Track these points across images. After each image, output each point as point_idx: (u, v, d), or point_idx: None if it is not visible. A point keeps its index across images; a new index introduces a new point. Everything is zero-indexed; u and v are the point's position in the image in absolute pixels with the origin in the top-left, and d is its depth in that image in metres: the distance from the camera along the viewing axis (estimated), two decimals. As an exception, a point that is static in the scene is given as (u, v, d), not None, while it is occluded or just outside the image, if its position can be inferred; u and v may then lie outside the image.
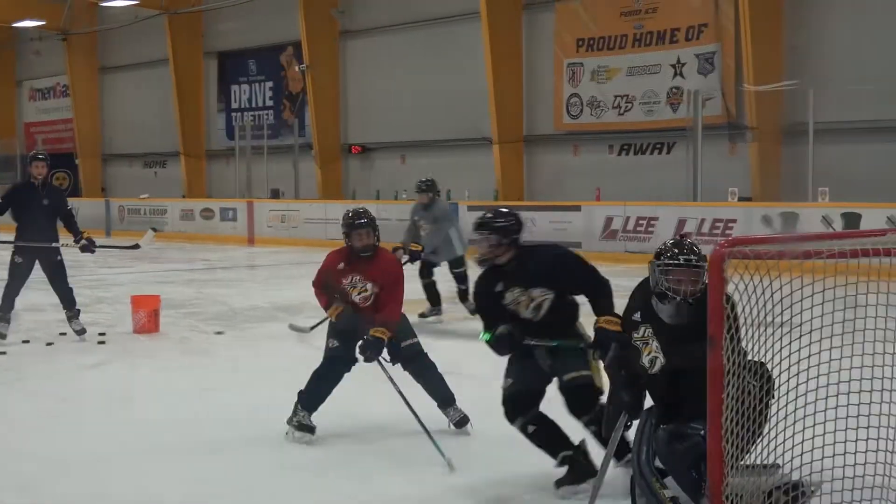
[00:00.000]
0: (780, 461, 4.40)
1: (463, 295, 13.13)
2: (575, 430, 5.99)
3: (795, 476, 4.48)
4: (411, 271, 12.32)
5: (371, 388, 7.53)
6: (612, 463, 5.51)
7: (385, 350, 7.10)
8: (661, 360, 5.09)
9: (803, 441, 4.33)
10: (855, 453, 4.41)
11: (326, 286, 7.25)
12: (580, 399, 5.91)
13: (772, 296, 4.28)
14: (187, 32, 34.22)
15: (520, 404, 6.04)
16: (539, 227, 22.50)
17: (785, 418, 4.43)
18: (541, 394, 6.06)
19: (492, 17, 25.11)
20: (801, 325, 4.39)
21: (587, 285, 5.99)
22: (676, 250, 5.14)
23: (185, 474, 6.42)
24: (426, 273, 13.08)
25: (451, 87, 27.16)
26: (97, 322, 12.60)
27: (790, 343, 4.40)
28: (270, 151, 30.40)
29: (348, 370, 7.21)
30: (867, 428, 4.42)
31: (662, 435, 5.09)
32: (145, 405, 8.37)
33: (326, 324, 7.40)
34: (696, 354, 4.30)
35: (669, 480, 5.13)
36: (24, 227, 11.37)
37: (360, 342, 6.98)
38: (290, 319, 12.56)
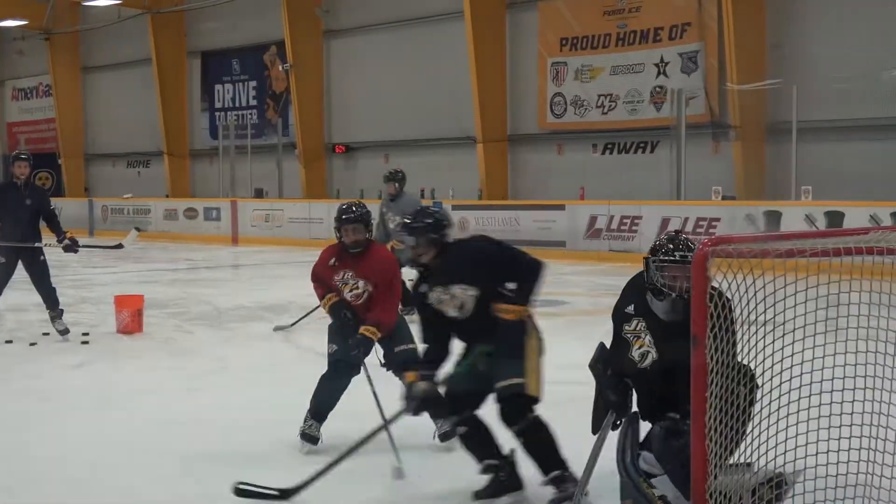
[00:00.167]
0: (762, 459, 4.41)
1: None
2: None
3: (772, 469, 4.49)
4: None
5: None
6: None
7: (381, 353, 6.94)
8: (653, 355, 5.08)
9: (786, 439, 4.34)
10: (838, 451, 4.42)
11: (322, 282, 7.16)
12: (510, 408, 5.72)
13: (755, 294, 4.30)
14: (170, 32, 34.13)
15: (457, 403, 5.91)
16: (523, 227, 22.56)
17: (768, 416, 4.45)
18: (481, 396, 5.87)
19: (475, 16, 25.10)
20: (784, 323, 4.40)
21: (512, 273, 5.85)
22: (672, 246, 5.12)
23: (171, 474, 6.41)
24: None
25: (434, 87, 27.16)
26: (80, 322, 12.56)
27: (773, 341, 4.41)
28: (254, 151, 30.37)
29: (356, 373, 6.98)
30: (850, 426, 4.43)
31: (658, 432, 5.08)
32: (130, 405, 8.35)
33: (318, 323, 7.36)
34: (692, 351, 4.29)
35: (658, 480, 5.13)
36: (6, 227, 11.33)
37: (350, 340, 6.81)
38: (275, 319, 12.59)
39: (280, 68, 30.98)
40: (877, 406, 4.48)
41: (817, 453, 4.40)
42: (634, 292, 5.33)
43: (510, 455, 5.84)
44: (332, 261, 7.01)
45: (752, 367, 4.57)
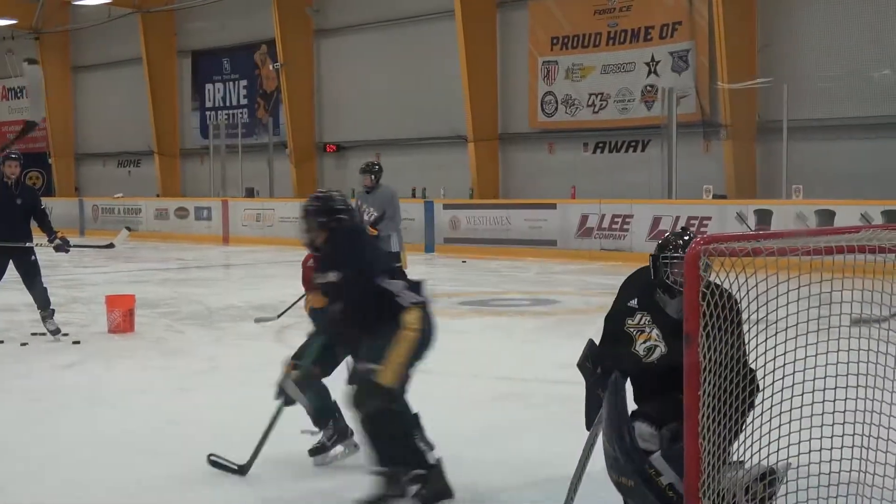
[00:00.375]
0: (755, 458, 4.41)
1: None
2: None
3: (764, 464, 4.49)
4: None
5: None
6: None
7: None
8: (661, 349, 5.01)
9: (779, 437, 4.34)
10: (831, 449, 4.43)
11: (307, 283, 7.08)
12: (358, 392, 5.66)
13: (747, 293, 4.30)
14: (160, 31, 34.10)
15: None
16: (514, 226, 22.58)
17: (760, 415, 4.45)
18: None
19: (466, 15, 25.11)
20: (776, 322, 4.40)
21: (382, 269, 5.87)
22: (681, 242, 5.07)
23: (163, 474, 6.39)
24: None
25: (425, 86, 27.17)
26: (72, 322, 12.54)
27: (765, 340, 4.42)
28: (245, 150, 30.34)
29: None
30: (842, 424, 4.44)
31: (666, 433, 5.01)
32: (121, 405, 8.34)
33: (308, 321, 7.29)
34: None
35: (655, 458, 5.07)
36: (4, 225, 11.32)
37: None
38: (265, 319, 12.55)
39: (270, 67, 30.97)
40: (869, 404, 4.49)
41: (810, 451, 4.40)
42: (637, 287, 5.24)
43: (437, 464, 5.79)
44: (312, 260, 6.87)
45: (755, 369, 4.56)
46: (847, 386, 4.45)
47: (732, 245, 4.10)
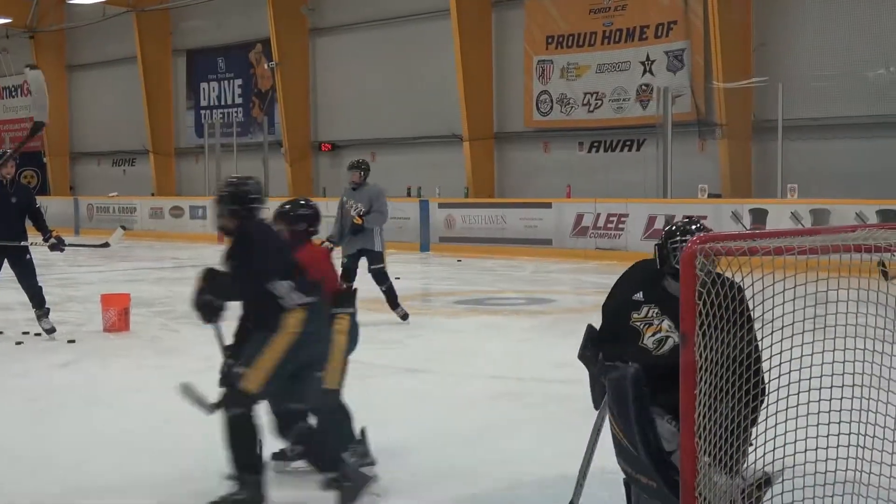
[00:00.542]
0: (751, 457, 4.42)
1: (391, 300, 12.56)
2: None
3: (758, 467, 4.49)
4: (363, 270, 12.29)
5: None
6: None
7: None
8: (674, 340, 4.86)
9: (775, 437, 4.34)
10: (826, 448, 4.43)
11: None
12: (222, 394, 5.71)
13: (743, 292, 4.31)
14: (155, 30, 34.08)
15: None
16: (510, 225, 22.59)
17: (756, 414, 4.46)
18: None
19: (461, 14, 25.13)
20: (772, 321, 4.40)
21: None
22: (693, 227, 5.00)
23: (159, 472, 6.40)
24: (347, 277, 12.14)
25: (421, 85, 27.17)
26: (67, 321, 12.54)
27: (762, 339, 4.42)
28: (240, 149, 30.34)
29: None
30: (838, 423, 4.44)
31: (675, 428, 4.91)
32: (117, 404, 8.34)
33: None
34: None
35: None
36: None
37: None
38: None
39: (266, 66, 30.96)
40: (865, 403, 4.49)
41: (806, 450, 4.40)
42: (639, 281, 5.12)
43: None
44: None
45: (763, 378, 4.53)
46: (843, 385, 4.46)
47: (728, 244, 4.10)
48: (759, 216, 18.60)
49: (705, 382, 4.10)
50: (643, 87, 23.21)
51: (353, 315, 6.35)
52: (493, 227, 22.94)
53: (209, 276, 5.79)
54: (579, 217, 21.48)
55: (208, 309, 5.79)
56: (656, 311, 4.97)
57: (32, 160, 37.41)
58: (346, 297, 6.37)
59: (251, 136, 31.51)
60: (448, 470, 6.36)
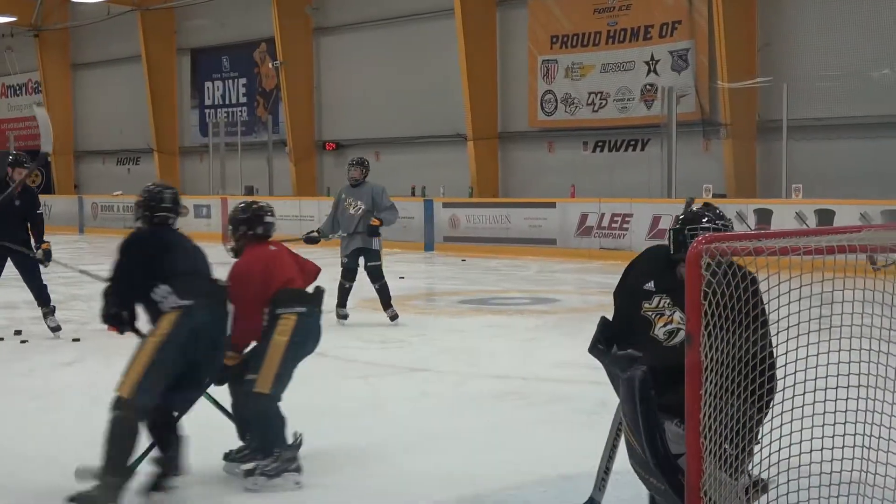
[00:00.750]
0: (756, 457, 4.41)
1: (384, 299, 12.40)
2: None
3: (763, 468, 4.48)
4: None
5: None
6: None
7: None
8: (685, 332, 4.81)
9: (780, 437, 4.34)
10: (832, 449, 4.42)
11: None
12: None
13: (757, 284, 4.30)
14: (160, 29, 34.09)
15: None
16: (514, 224, 22.58)
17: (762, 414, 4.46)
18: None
19: (465, 13, 25.12)
20: (777, 321, 4.40)
21: None
22: (711, 214, 4.90)
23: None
24: (349, 276, 12.37)
25: (425, 84, 27.16)
26: (71, 319, 12.54)
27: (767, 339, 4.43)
28: (244, 148, 30.33)
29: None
30: (843, 424, 4.43)
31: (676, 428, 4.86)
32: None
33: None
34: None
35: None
36: None
37: None
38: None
39: (270, 65, 30.96)
40: (870, 404, 4.48)
41: (811, 451, 4.40)
42: (652, 268, 5.05)
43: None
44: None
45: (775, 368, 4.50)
46: (848, 386, 4.45)
47: (734, 244, 4.09)
48: (764, 216, 18.58)
49: (711, 383, 4.10)
50: (648, 86, 23.20)
51: (305, 315, 6.23)
52: (498, 226, 22.92)
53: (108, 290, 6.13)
54: (584, 217, 21.46)
55: (114, 320, 6.13)
56: (668, 301, 4.89)
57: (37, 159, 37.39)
58: (296, 297, 6.28)
59: (255, 136, 31.52)
60: (452, 470, 6.36)
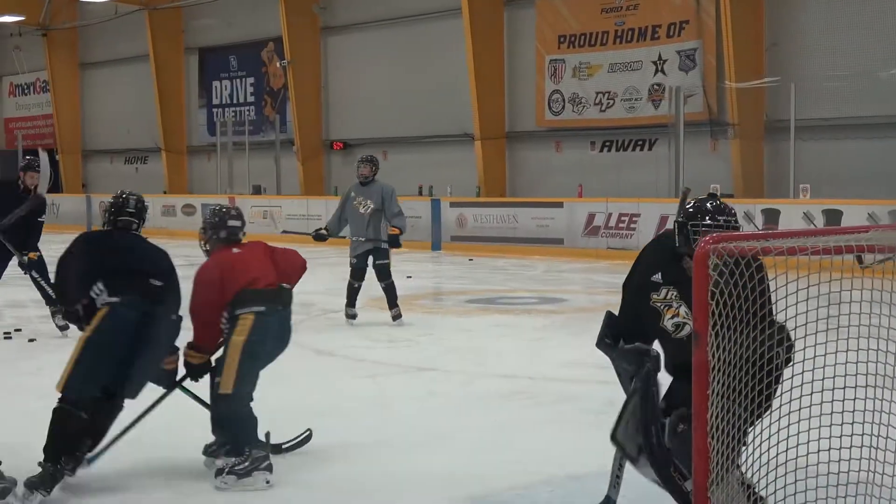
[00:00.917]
0: (764, 457, 4.41)
1: (390, 298, 12.33)
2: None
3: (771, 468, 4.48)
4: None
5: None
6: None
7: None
8: (690, 327, 4.72)
9: (788, 437, 4.34)
10: (840, 449, 4.43)
11: None
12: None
13: (764, 271, 4.31)
14: (168, 28, 34.12)
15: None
16: (521, 224, 22.57)
17: (770, 414, 4.45)
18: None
19: (473, 13, 25.13)
20: (784, 321, 4.41)
21: None
22: (714, 211, 4.92)
23: (171, 470, 6.41)
24: (357, 276, 12.31)
25: (432, 84, 27.17)
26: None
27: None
28: (252, 147, 30.37)
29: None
30: (851, 424, 4.44)
31: (674, 419, 4.86)
32: (128, 402, 8.33)
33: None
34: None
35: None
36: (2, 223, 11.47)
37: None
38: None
39: (278, 65, 30.99)
40: (878, 404, 4.49)
41: (819, 451, 4.40)
42: (660, 259, 5.09)
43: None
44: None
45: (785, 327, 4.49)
46: (856, 386, 4.45)
47: (741, 244, 4.09)
48: (772, 216, 18.57)
49: (718, 383, 4.10)
50: (655, 86, 23.19)
51: (263, 314, 6.25)
52: (505, 226, 22.93)
53: None
54: (591, 217, 21.46)
55: (73, 318, 6.38)
56: (675, 293, 4.91)
57: (45, 158, 37.46)
58: (255, 297, 6.31)
59: (263, 135, 31.54)
60: (459, 469, 6.36)
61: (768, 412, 4.46)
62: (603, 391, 8.09)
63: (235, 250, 6.62)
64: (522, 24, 25.71)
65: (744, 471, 4.41)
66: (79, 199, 34.60)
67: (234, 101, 33.37)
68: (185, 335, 6.49)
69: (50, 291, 11.54)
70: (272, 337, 6.31)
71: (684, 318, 4.88)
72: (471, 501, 5.81)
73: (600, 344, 5.11)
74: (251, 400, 6.26)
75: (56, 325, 11.56)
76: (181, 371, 6.61)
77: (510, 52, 25.99)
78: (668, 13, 22.87)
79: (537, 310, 14.07)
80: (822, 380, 4.37)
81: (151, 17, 33.69)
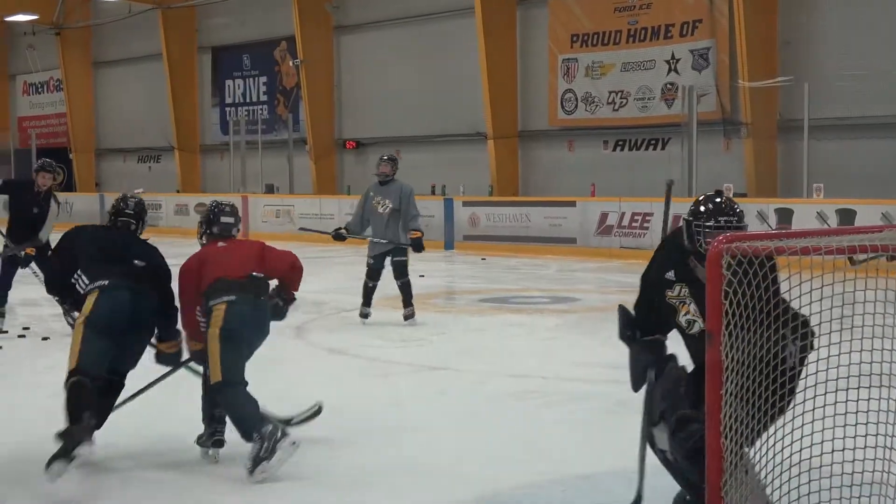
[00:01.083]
0: (778, 457, 4.41)
1: (405, 296, 12.25)
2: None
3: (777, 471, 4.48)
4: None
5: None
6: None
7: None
8: (700, 325, 4.84)
9: (802, 437, 4.33)
10: (854, 449, 4.42)
11: None
12: None
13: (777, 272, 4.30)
14: (181, 27, 34.18)
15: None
16: (534, 223, 22.54)
17: (783, 414, 4.44)
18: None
19: (486, 12, 25.11)
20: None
21: None
22: (715, 211, 4.93)
23: (184, 468, 6.42)
24: (373, 276, 12.25)
25: (445, 83, 27.18)
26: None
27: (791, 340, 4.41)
28: (265, 146, 30.40)
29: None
30: (865, 424, 4.43)
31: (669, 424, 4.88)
32: (142, 399, 8.34)
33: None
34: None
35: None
36: (13, 224, 11.62)
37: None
38: (288, 314, 12.50)
39: (290, 64, 31.01)
40: (892, 404, 4.48)
41: (832, 451, 4.39)
42: (674, 256, 5.11)
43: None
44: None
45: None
46: (870, 386, 4.44)
47: (754, 244, 4.08)
48: (785, 216, 18.52)
49: (732, 382, 4.09)
50: (668, 85, 23.16)
51: (234, 303, 6.39)
52: (518, 225, 22.90)
53: None
54: (604, 216, 21.43)
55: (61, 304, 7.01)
56: (686, 291, 4.94)
57: (59, 157, 37.54)
58: (225, 287, 6.47)
59: (276, 134, 31.57)
60: (470, 469, 6.36)
61: (788, 410, 4.45)
62: (615, 391, 8.08)
63: (221, 244, 6.84)
64: (535, 23, 25.70)
65: (757, 470, 4.40)
66: (92, 198, 34.66)
67: (247, 100, 33.42)
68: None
69: None
70: (249, 325, 6.43)
71: (694, 315, 4.90)
72: (482, 501, 5.81)
73: (623, 336, 5.14)
74: (246, 385, 6.35)
75: (68, 323, 11.55)
76: (185, 355, 6.89)
77: (523, 52, 25.98)
78: (681, 12, 22.83)
79: (550, 309, 14.05)
80: (836, 380, 4.36)
81: (165, 15, 33.75)
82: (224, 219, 6.90)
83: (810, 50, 21.01)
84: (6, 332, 11.65)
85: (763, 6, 21.20)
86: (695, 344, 4.91)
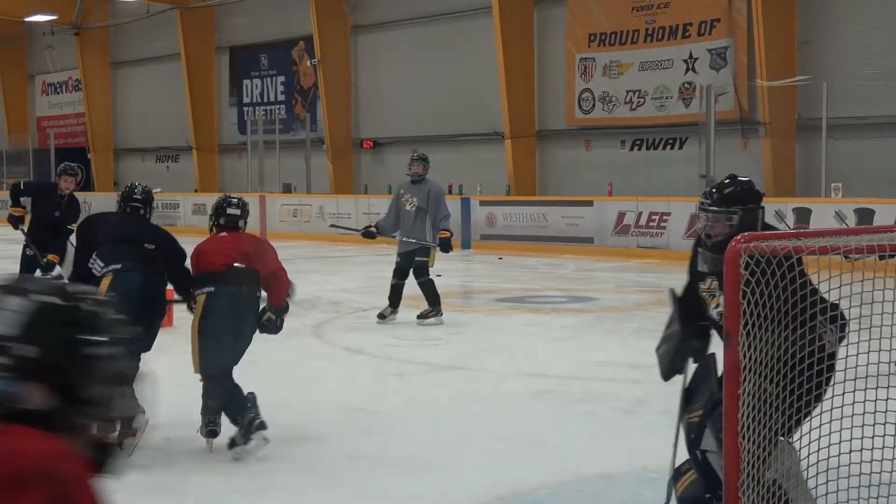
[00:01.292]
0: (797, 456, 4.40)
1: (428, 296, 12.21)
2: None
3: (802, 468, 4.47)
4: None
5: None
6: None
7: None
8: None
9: (819, 437, 4.33)
10: (872, 449, 4.41)
11: None
12: None
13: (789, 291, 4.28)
14: (199, 27, 34.26)
15: None
16: (551, 223, 22.54)
17: (821, 402, 4.43)
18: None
19: (503, 12, 25.11)
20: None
21: None
22: (714, 190, 4.91)
23: (200, 468, 6.44)
24: (400, 275, 12.25)
25: (462, 82, 27.17)
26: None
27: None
28: (282, 146, 30.43)
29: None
30: (884, 424, 4.42)
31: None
32: (158, 399, 8.37)
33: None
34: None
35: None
36: (35, 225, 11.73)
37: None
38: (303, 314, 12.57)
39: (308, 64, 31.05)
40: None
41: (851, 451, 4.38)
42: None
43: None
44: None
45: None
46: (889, 386, 4.44)
47: (773, 243, 4.07)
48: (803, 215, 18.48)
49: (751, 383, 4.08)
50: (686, 85, 23.12)
51: (213, 294, 6.68)
52: (535, 225, 22.90)
53: None
54: (621, 215, 21.41)
55: None
56: (716, 283, 4.90)
57: (77, 156, 37.71)
58: (206, 278, 6.76)
59: (293, 133, 31.60)
60: (488, 468, 6.36)
61: (815, 409, 4.44)
62: (633, 390, 8.09)
63: (223, 234, 7.07)
64: (553, 22, 25.68)
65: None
66: (110, 198, 34.65)
67: (265, 100, 33.47)
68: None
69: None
70: (229, 314, 6.66)
71: (722, 306, 4.89)
72: (500, 500, 5.81)
73: (675, 320, 5.10)
74: (230, 373, 6.68)
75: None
76: None
77: (540, 51, 25.96)
78: (699, 11, 22.78)
79: (567, 309, 14.05)
80: (854, 380, 4.35)
81: (183, 16, 33.83)
82: (230, 210, 7.15)
83: (829, 49, 20.95)
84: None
85: (782, 5, 21.14)
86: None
